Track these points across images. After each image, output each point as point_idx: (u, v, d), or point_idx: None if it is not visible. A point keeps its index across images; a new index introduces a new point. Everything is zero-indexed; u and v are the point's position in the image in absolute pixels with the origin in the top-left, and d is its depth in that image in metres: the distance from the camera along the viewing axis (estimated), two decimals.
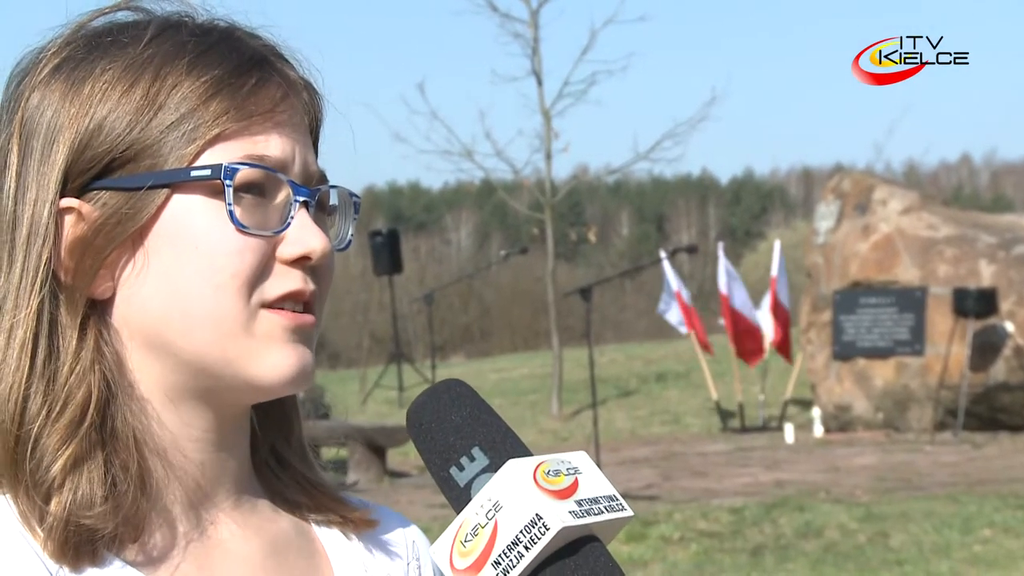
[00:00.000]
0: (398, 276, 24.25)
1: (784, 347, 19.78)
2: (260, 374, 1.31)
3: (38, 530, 1.26)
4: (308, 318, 1.33)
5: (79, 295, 1.30)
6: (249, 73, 1.32)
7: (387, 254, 22.57)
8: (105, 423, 1.29)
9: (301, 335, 1.32)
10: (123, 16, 1.37)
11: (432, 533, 1.15)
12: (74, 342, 1.30)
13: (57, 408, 1.28)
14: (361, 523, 1.47)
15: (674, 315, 20.44)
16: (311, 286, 1.33)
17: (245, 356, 1.30)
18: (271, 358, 1.31)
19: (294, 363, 1.32)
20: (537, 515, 1.11)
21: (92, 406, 1.28)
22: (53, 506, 1.26)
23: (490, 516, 1.12)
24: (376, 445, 14.85)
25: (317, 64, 1.41)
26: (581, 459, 1.17)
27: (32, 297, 1.30)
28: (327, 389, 18.14)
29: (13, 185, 1.31)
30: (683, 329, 20.73)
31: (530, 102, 23.88)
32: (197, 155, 1.29)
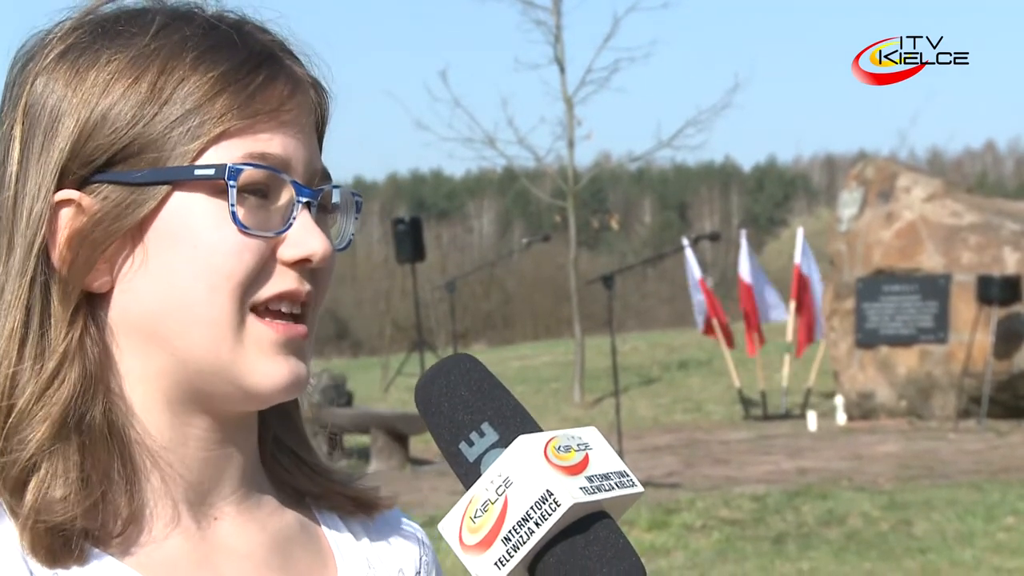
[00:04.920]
0: (420, 264, 24.23)
1: (803, 337, 19.63)
2: (252, 382, 1.30)
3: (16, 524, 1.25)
4: (300, 329, 1.31)
5: (73, 287, 1.29)
6: (257, 70, 1.30)
7: (409, 242, 22.55)
8: (83, 418, 1.28)
9: (292, 347, 1.31)
10: (132, 2, 1.35)
11: None
12: (62, 334, 1.28)
13: (36, 398, 1.27)
14: (368, 504, 1.45)
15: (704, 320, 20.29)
16: (307, 287, 1.31)
17: (238, 362, 1.29)
18: (261, 368, 1.30)
19: (285, 375, 1.30)
20: (548, 491, 1.10)
21: (68, 398, 1.27)
22: (27, 498, 1.25)
23: (500, 492, 1.12)
24: (398, 432, 14.86)
25: (327, 59, 1.40)
26: (591, 435, 1.16)
27: (22, 286, 1.29)
28: (349, 376, 18.16)
29: (15, 172, 1.30)
30: (700, 318, 20.61)
31: (552, 90, 23.75)
32: (201, 152, 1.28)
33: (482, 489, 1.13)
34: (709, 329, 20.19)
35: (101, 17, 1.33)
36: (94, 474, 1.27)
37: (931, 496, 12.14)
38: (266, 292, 1.30)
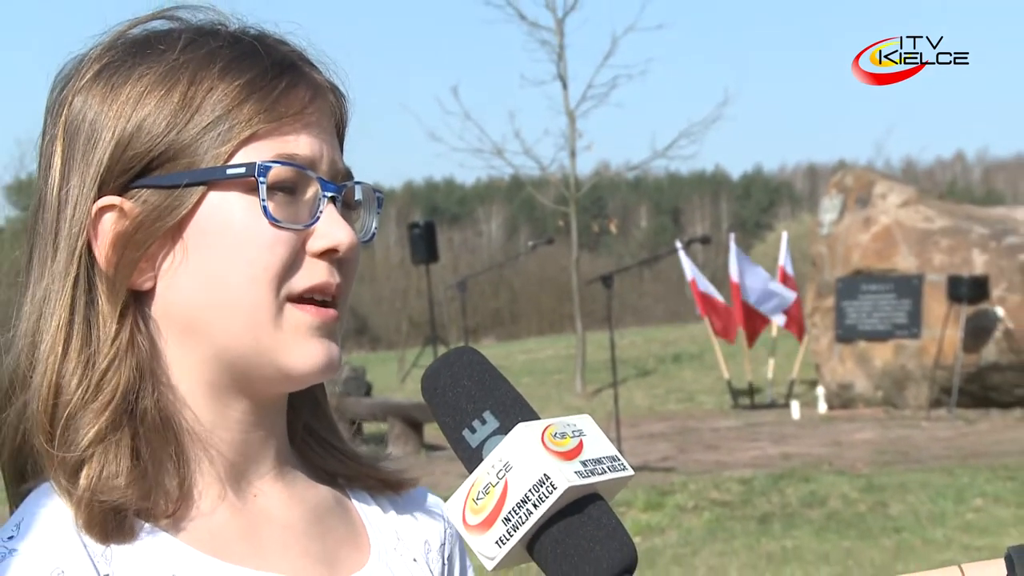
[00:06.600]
0: (434, 265, 24.23)
1: (795, 327, 19.62)
2: (290, 365, 1.30)
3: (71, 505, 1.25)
4: (331, 313, 1.32)
5: (120, 286, 1.29)
6: (279, 77, 1.31)
7: (424, 245, 22.55)
8: (136, 407, 1.28)
9: (325, 330, 1.31)
10: (159, 24, 1.36)
11: None
12: (112, 330, 1.29)
13: (91, 391, 1.27)
14: (396, 484, 1.46)
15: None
16: (337, 279, 1.32)
17: (276, 348, 1.29)
18: (299, 351, 1.30)
19: (321, 355, 1.31)
20: (545, 475, 1.10)
21: (122, 391, 1.28)
22: (81, 480, 1.25)
23: (501, 476, 1.11)
24: (414, 421, 14.85)
25: (344, 66, 1.40)
26: (585, 422, 1.16)
27: (65, 287, 1.29)
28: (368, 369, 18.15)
29: (57, 182, 1.31)
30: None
31: (556, 104, 23.87)
32: (232, 154, 1.28)
33: (484, 473, 1.12)
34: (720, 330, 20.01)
35: (131, 39, 1.34)
36: (149, 460, 1.27)
37: (905, 480, 12.12)
38: (299, 284, 1.30)
